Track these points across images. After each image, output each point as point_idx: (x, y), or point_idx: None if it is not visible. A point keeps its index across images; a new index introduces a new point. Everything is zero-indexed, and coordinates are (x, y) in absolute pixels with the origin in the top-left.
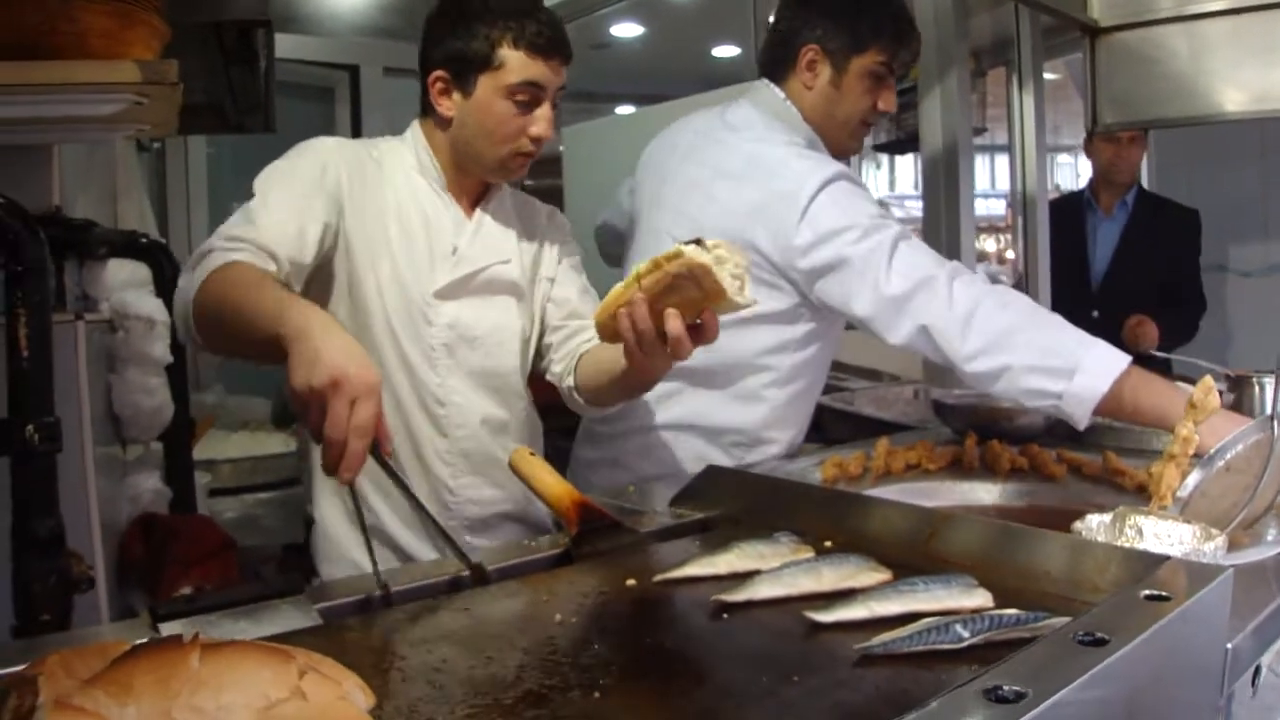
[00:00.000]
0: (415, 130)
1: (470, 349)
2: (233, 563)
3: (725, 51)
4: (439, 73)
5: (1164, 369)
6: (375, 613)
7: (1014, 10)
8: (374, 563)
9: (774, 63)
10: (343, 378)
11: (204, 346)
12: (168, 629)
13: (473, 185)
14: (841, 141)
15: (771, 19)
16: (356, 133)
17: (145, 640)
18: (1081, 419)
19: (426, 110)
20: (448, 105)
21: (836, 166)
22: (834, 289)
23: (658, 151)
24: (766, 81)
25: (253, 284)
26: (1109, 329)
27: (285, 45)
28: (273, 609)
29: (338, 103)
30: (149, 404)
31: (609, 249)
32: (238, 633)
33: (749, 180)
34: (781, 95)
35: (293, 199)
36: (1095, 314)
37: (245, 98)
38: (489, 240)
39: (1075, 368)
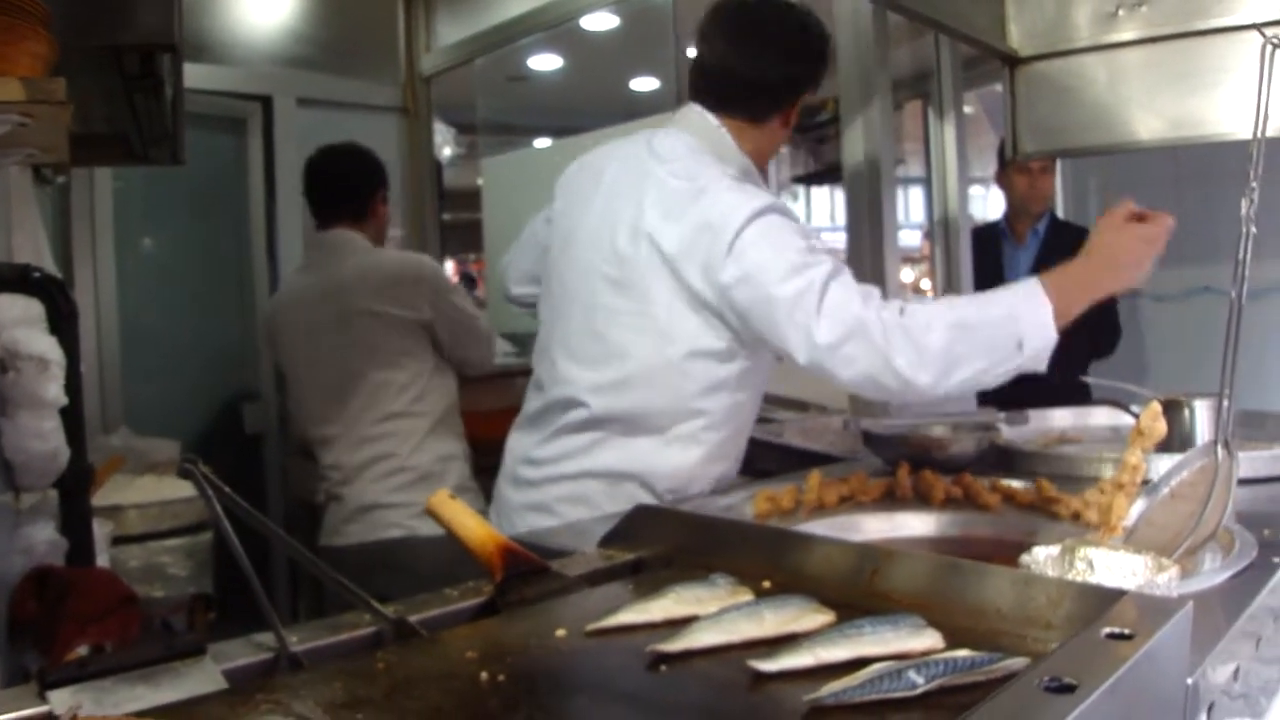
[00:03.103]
0: None
1: None
2: (135, 618)
3: (644, 84)
4: None
5: (1083, 394)
6: (286, 674)
7: (934, 42)
8: (276, 625)
9: (730, 102)
10: None
11: None
12: (56, 696)
13: None
14: (766, 162)
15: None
16: (269, 166)
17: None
18: (1043, 365)
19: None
20: None
21: (766, 198)
22: (766, 330)
23: (579, 179)
24: (698, 108)
25: None
26: None
27: (195, 75)
28: (173, 672)
29: (250, 134)
30: (42, 449)
31: (520, 290)
32: (134, 699)
33: (677, 214)
34: (715, 122)
35: None
36: None
37: (151, 128)
38: None
39: (1020, 338)
